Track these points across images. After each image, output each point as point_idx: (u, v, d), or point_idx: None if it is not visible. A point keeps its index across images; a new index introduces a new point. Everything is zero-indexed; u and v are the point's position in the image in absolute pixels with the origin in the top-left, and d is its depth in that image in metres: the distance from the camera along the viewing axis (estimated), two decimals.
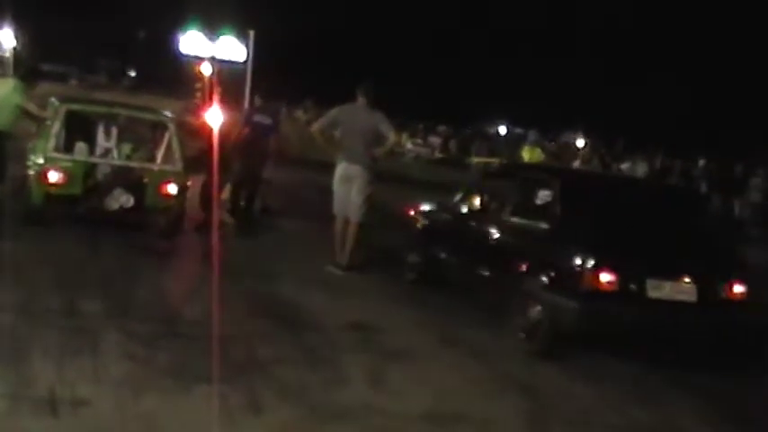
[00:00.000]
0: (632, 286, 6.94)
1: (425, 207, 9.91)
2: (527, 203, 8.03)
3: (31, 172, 9.65)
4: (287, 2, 53.05)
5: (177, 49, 31.85)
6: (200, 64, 29.93)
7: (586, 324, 6.91)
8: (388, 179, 10.56)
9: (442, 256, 9.03)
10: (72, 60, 54.64)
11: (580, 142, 44.06)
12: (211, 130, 10.97)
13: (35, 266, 7.85)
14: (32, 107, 10.06)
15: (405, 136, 41.86)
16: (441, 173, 31.47)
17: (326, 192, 9.69)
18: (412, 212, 10.11)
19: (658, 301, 7.00)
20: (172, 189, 9.86)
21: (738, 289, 7.33)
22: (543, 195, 7.83)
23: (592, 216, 7.32)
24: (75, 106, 10.53)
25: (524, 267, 7.48)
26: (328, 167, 9.79)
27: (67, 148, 9.98)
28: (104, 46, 58.79)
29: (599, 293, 6.85)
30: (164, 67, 46.23)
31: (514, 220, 8.06)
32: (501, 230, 8.18)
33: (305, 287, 8.56)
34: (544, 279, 7.20)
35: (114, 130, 10.70)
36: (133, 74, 63.99)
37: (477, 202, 8.85)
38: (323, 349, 6.61)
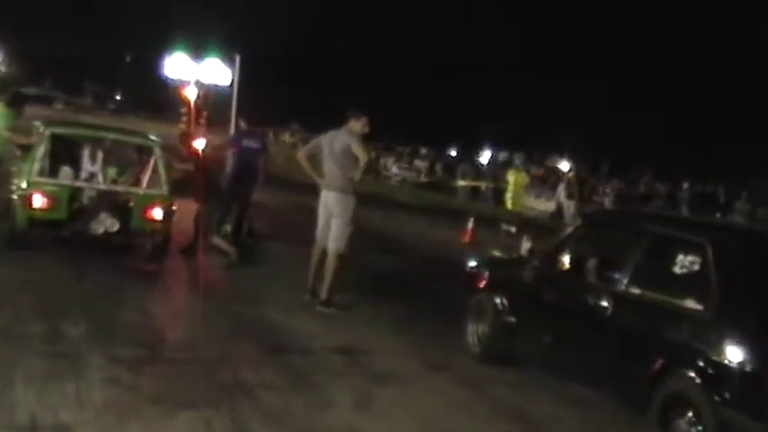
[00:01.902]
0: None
1: (488, 259, 8.42)
2: (662, 269, 6.10)
3: (16, 196, 9.59)
4: (273, 25, 53.24)
5: (163, 72, 31.86)
6: (185, 87, 29.96)
7: None
8: (375, 203, 10.53)
9: (520, 330, 7.25)
10: (57, 83, 54.61)
11: (565, 166, 44.29)
12: (197, 153, 10.97)
13: (18, 290, 7.79)
14: (17, 137, 10.03)
15: (390, 160, 41.95)
16: (427, 196, 31.54)
17: (313, 214, 9.59)
18: (470, 268, 8.46)
19: None
20: (157, 213, 9.82)
21: None
22: (689, 262, 5.94)
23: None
24: (60, 130, 10.49)
25: (674, 367, 5.55)
26: (314, 190, 9.75)
27: (52, 171, 9.93)
28: (90, 69, 58.78)
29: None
30: (149, 91, 46.28)
31: (645, 294, 6.05)
32: (622, 305, 6.15)
33: (291, 311, 8.52)
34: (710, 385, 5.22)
35: (100, 154, 10.65)
36: (119, 97, 63.98)
37: (565, 259, 6.91)
38: (308, 373, 6.58)
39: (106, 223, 9.60)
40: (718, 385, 5.11)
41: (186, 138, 12.70)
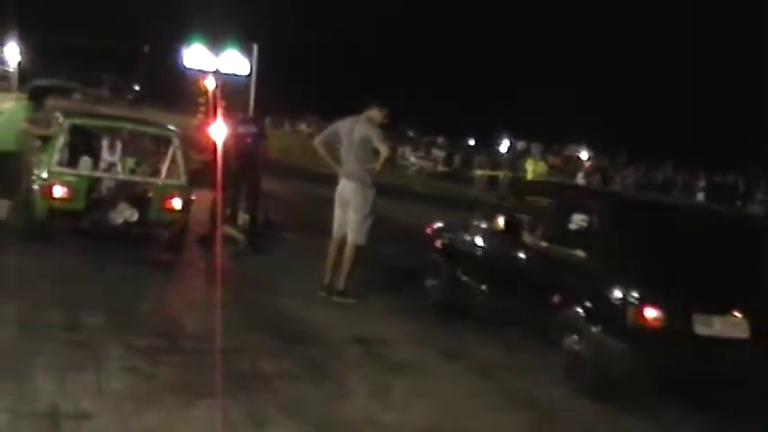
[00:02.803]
0: (679, 323, 6.31)
1: (443, 225, 9.57)
2: (564, 228, 7.51)
3: (36, 186, 9.68)
4: (291, 15, 53.20)
5: (181, 62, 31.97)
6: (203, 78, 30.05)
7: (631, 365, 6.42)
8: (392, 193, 10.53)
9: (465, 280, 8.59)
10: (76, 75, 54.83)
11: (584, 155, 44.14)
12: (215, 143, 11.00)
13: (38, 281, 7.87)
14: (37, 129, 10.10)
15: (408, 150, 41.92)
16: (444, 186, 31.51)
17: (329, 205, 9.57)
18: (429, 231, 9.69)
19: (706, 339, 6.35)
20: (176, 203, 9.89)
21: None
22: (583, 221, 7.32)
23: (636, 246, 6.86)
24: (79, 121, 10.56)
25: (561, 299, 6.97)
26: (331, 180, 9.74)
27: (72, 162, 10.01)
28: (108, 60, 58.95)
29: (645, 331, 6.30)
30: (168, 81, 46.40)
31: (550, 245, 7.56)
32: (534, 256, 7.64)
33: (308, 300, 8.57)
34: (583, 312, 6.71)
35: (118, 145, 10.72)
36: (137, 88, 64.19)
37: (504, 222, 7.99)
38: (325, 363, 6.62)
39: (125, 213, 9.67)
40: (594, 316, 6.66)
41: (203, 128, 12.75)
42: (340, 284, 8.85)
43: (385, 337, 7.60)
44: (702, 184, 24.45)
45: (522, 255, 7.77)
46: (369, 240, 9.02)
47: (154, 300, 7.86)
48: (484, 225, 8.66)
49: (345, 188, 8.93)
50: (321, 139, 9.44)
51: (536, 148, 39.21)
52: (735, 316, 6.48)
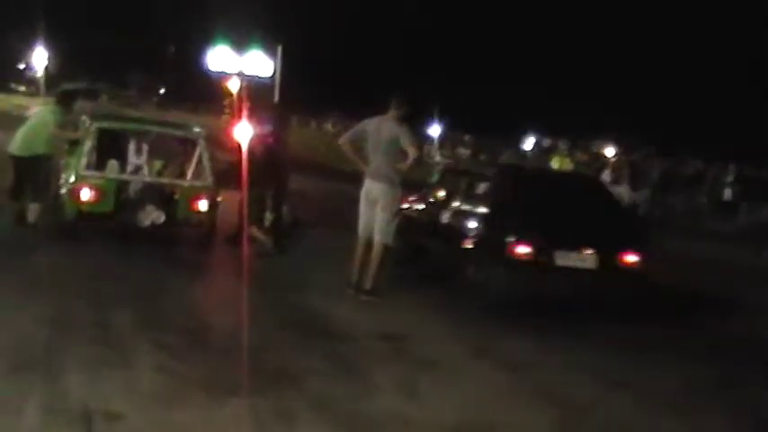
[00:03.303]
0: (543, 256, 8.69)
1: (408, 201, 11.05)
2: (475, 194, 10.13)
3: (64, 189, 9.79)
4: (314, 16, 53.33)
5: (206, 64, 32.13)
6: (228, 79, 30.20)
7: (507, 285, 8.90)
8: (417, 190, 10.61)
9: (417, 238, 10.63)
10: (102, 77, 55.29)
11: (610, 151, 43.83)
12: (240, 144, 11.06)
13: (68, 281, 7.97)
14: (68, 134, 10.22)
15: (434, 147, 41.87)
16: None
17: (355, 203, 9.56)
18: None
19: (564, 268, 8.82)
20: (202, 204, 9.96)
21: (631, 258, 9.09)
22: (485, 187, 10.01)
23: (515, 202, 9.35)
24: (105, 124, 10.65)
25: (468, 242, 9.40)
26: (357, 178, 9.74)
27: (99, 165, 10.11)
28: (134, 62, 59.42)
29: (518, 262, 8.69)
30: (193, 83, 46.66)
31: (466, 206, 9.99)
32: (455, 215, 10.00)
33: (335, 298, 8.60)
34: (480, 250, 9.17)
35: (145, 147, 10.83)
36: (162, 90, 64.61)
37: (439, 194, 10.83)
38: (353, 360, 6.64)
39: (152, 215, 9.77)
40: (487, 252, 9.00)
41: (229, 129, 12.81)
42: (367, 284, 8.84)
43: (412, 334, 7.61)
44: (731, 178, 24.19)
45: (448, 214, 10.10)
46: (396, 240, 9.04)
47: (182, 299, 7.92)
48: (430, 198, 10.94)
49: (372, 187, 8.91)
50: (347, 139, 9.34)
51: (563, 144, 38.97)
52: (586, 252, 8.86)
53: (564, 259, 8.81)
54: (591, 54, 53.48)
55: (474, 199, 10.00)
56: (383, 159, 8.85)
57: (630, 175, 25.93)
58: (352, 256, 9.06)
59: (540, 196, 9.42)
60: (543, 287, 8.84)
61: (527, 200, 9.34)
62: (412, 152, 8.83)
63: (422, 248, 10.56)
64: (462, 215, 9.88)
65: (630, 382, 6.93)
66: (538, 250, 8.69)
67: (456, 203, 10.22)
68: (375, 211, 8.90)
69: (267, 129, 11.57)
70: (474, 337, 7.81)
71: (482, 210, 9.58)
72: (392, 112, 8.95)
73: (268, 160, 11.22)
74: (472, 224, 9.57)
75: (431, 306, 8.82)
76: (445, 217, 10.16)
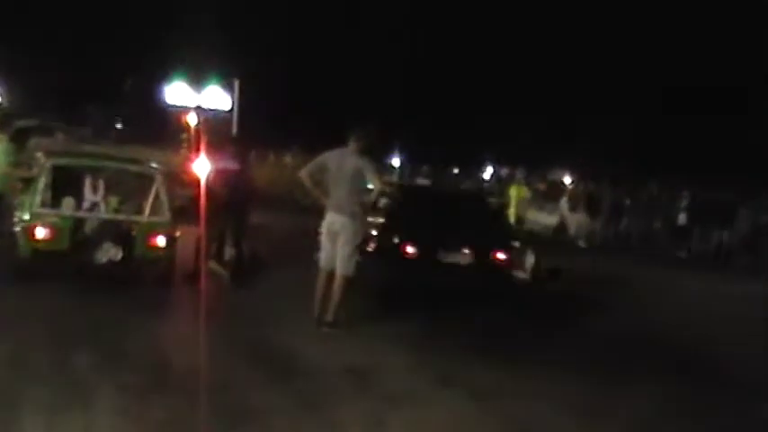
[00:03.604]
0: (428, 255, 10.71)
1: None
2: (378, 209, 11.47)
3: (19, 228, 9.61)
4: (271, 51, 53.44)
5: (163, 99, 31.98)
6: (186, 114, 30.07)
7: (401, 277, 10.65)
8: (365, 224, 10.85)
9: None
10: (59, 113, 54.79)
11: (567, 179, 44.30)
12: (198, 179, 10.96)
13: (24, 321, 7.78)
14: (19, 171, 10.06)
15: (395, 177, 41.97)
16: None
17: (314, 236, 9.53)
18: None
19: (448, 264, 10.89)
20: (160, 241, 9.83)
21: (501, 256, 11.25)
22: (385, 203, 11.75)
23: (406, 213, 11.37)
24: (60, 161, 10.50)
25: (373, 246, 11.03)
26: (316, 211, 9.70)
27: (54, 203, 9.95)
28: (90, 98, 58.95)
29: (408, 260, 10.79)
30: (150, 118, 46.38)
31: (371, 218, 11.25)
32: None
33: (298, 332, 8.51)
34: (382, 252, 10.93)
35: (101, 184, 10.68)
36: (119, 125, 64.12)
37: None
38: (318, 395, 6.55)
39: (110, 252, 9.62)
40: (384, 252, 10.99)
41: (187, 163, 12.71)
42: (330, 316, 8.78)
43: (378, 367, 7.55)
44: (685, 203, 24.54)
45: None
46: (357, 272, 9.00)
47: (142, 337, 7.77)
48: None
49: (334, 220, 8.86)
50: (307, 172, 9.21)
51: (520, 173, 39.28)
52: (464, 251, 10.98)
53: (447, 257, 10.96)
54: (545, 83, 54.15)
55: (378, 212, 11.61)
56: (346, 193, 8.81)
57: (587, 204, 26.26)
58: (313, 290, 8.99)
59: (429, 208, 11.78)
60: (430, 280, 10.62)
61: (416, 211, 11.53)
62: (377, 185, 8.91)
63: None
64: (371, 226, 11.39)
65: (596, 409, 6.93)
66: (423, 250, 10.67)
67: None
68: (337, 243, 8.85)
69: (230, 163, 11.49)
70: (440, 366, 7.77)
71: (383, 220, 11.47)
72: (352, 145, 8.92)
73: (230, 195, 11.14)
74: (375, 232, 11.27)
75: (395, 336, 8.77)
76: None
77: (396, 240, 10.88)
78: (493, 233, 11.84)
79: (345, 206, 8.82)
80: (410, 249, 10.79)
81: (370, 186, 9.22)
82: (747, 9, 41.42)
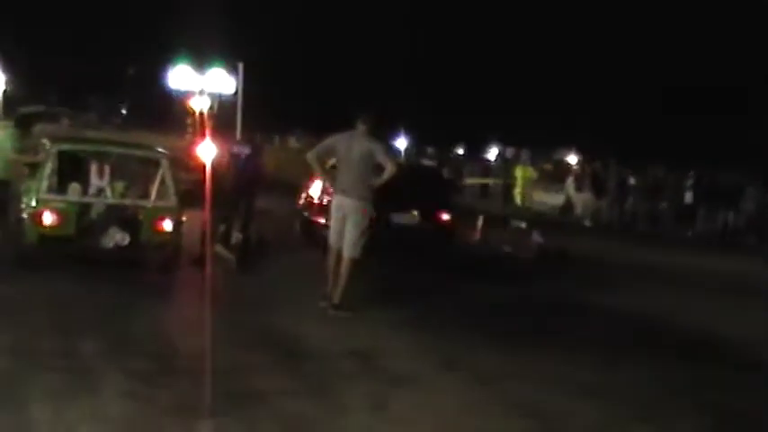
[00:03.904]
0: (383, 218, 10.98)
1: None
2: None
3: (26, 214, 9.65)
4: (276, 32, 53.31)
5: (167, 83, 31.97)
6: (190, 98, 30.07)
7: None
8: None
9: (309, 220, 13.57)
10: (63, 100, 54.78)
11: (573, 159, 44.22)
12: (204, 163, 10.97)
13: (31, 308, 7.83)
14: (25, 157, 10.05)
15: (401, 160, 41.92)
16: None
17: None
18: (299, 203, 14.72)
19: (398, 225, 12.61)
20: (167, 225, 9.87)
21: (444, 216, 13.15)
22: None
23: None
24: (66, 146, 10.53)
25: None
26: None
27: (61, 188, 9.98)
28: (94, 84, 58.92)
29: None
30: (154, 103, 46.39)
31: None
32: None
33: (303, 316, 8.55)
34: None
35: (107, 169, 10.70)
36: (124, 111, 64.12)
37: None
38: (323, 378, 6.59)
39: (116, 237, 9.65)
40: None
41: (192, 148, 12.74)
42: (336, 298, 8.82)
43: (383, 350, 7.58)
44: (691, 182, 24.46)
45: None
46: (365, 254, 9.02)
47: (148, 322, 7.82)
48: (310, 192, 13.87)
49: (343, 203, 8.92)
50: (315, 155, 9.25)
51: (525, 154, 39.20)
52: (413, 213, 12.88)
53: (398, 219, 12.59)
54: (551, 63, 53.94)
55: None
56: (355, 175, 8.85)
57: (592, 183, 26.22)
58: (324, 270, 9.09)
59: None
60: (385, 238, 11.13)
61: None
62: (389, 167, 8.89)
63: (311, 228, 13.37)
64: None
65: (601, 390, 6.96)
66: (378, 212, 10.17)
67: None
68: (345, 225, 8.89)
69: (241, 148, 11.57)
70: (444, 349, 7.80)
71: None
72: (360, 128, 8.95)
73: (238, 179, 11.22)
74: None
75: (400, 320, 8.81)
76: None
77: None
78: (439, 198, 13.56)
79: (354, 189, 8.86)
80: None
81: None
82: (747, 9, 41.32)
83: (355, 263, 8.89)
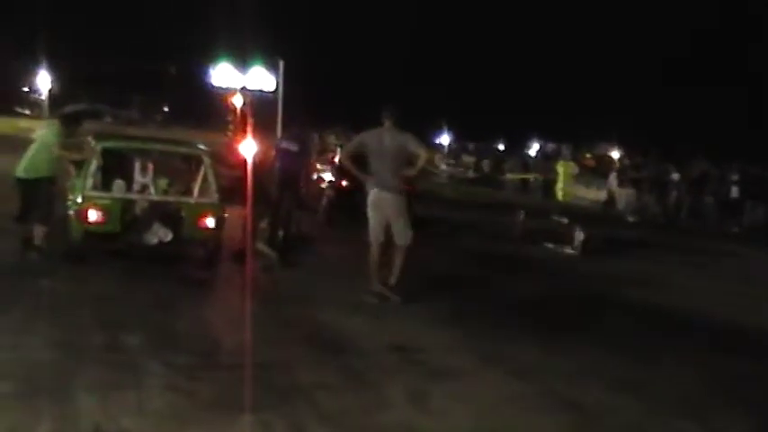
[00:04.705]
0: (355, 186, 12.60)
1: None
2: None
3: (71, 211, 9.80)
4: (315, 31, 53.50)
5: (208, 81, 32.21)
6: (231, 95, 30.28)
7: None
8: (423, 200, 10.63)
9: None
10: (106, 98, 55.45)
11: (615, 154, 43.82)
12: (245, 160, 11.08)
13: (77, 303, 7.96)
14: (70, 154, 10.18)
15: (438, 156, 41.86)
16: (475, 191, 31.47)
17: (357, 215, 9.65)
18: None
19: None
20: (209, 221, 9.97)
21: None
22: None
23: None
24: (110, 144, 10.67)
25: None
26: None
27: (105, 185, 10.13)
28: (137, 82, 59.58)
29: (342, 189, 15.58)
30: (196, 100, 46.77)
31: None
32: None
33: (343, 311, 8.59)
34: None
35: (150, 166, 10.84)
36: (166, 108, 64.79)
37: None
38: (364, 372, 6.62)
39: (159, 234, 9.77)
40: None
41: (233, 144, 12.87)
42: (393, 280, 9.12)
43: (422, 345, 7.60)
44: (736, 176, 24.14)
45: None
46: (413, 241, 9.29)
47: (191, 317, 7.91)
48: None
49: (381, 197, 9.09)
50: (347, 154, 9.56)
51: (566, 149, 38.93)
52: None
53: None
54: (592, 57, 53.48)
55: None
56: (390, 169, 9.04)
57: (636, 178, 25.99)
58: (366, 266, 9.23)
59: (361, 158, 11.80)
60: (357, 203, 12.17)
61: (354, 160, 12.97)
62: (422, 154, 9.21)
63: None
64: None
65: (641, 384, 6.91)
66: (351, 183, 14.23)
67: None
68: (386, 218, 9.10)
69: (290, 144, 11.62)
70: (482, 344, 7.80)
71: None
72: (388, 122, 9.13)
73: (283, 175, 11.31)
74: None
75: (434, 313, 8.84)
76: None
77: (334, 178, 16.17)
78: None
79: (390, 181, 9.04)
80: (344, 183, 15.40)
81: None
82: None
83: (408, 249, 9.15)
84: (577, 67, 53.80)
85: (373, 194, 9.16)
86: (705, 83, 46.79)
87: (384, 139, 9.02)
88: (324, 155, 19.33)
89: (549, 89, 53.34)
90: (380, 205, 9.10)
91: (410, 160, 9.33)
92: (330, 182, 16.33)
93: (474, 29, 58.73)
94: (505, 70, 56.98)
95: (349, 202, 14.47)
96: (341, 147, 17.15)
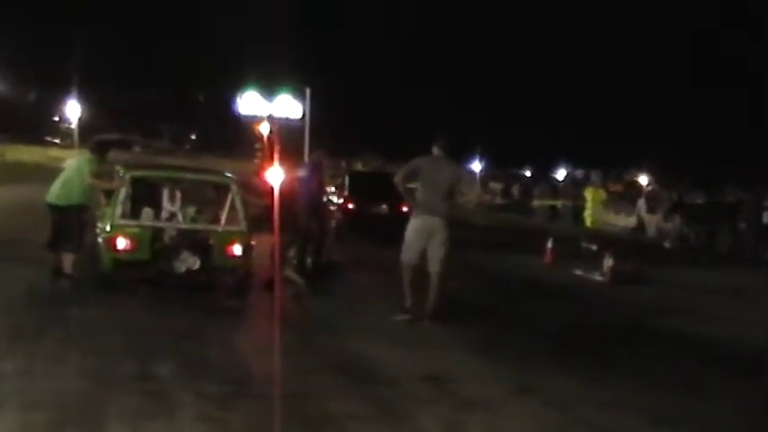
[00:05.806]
0: (361, 208, 17.89)
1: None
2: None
3: (100, 239, 9.83)
4: (340, 59, 53.85)
5: (236, 110, 32.47)
6: (258, 123, 30.48)
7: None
8: (452, 226, 10.53)
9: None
10: (135, 127, 56.06)
11: (643, 180, 43.56)
12: (272, 187, 11.07)
13: (108, 331, 7.94)
14: (101, 183, 10.21)
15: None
16: (504, 218, 31.33)
17: (386, 243, 9.65)
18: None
19: (372, 213, 17.93)
20: (237, 249, 9.95)
21: (404, 209, 13.01)
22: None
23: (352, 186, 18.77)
24: (139, 173, 10.72)
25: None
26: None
27: (134, 214, 10.16)
28: (165, 111, 60.23)
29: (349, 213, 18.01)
30: (223, 129, 47.17)
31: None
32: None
33: (375, 340, 8.50)
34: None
35: (178, 194, 10.86)
36: (194, 137, 65.37)
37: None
38: (396, 402, 6.52)
39: (188, 262, 9.76)
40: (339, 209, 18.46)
41: (261, 172, 12.90)
42: (430, 308, 9.30)
43: (456, 374, 7.48)
44: None
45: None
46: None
47: (221, 346, 7.86)
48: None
49: (429, 222, 9.38)
50: (402, 177, 9.79)
51: (595, 175, 38.74)
52: (383, 207, 17.57)
53: (372, 209, 17.90)
54: (624, 85, 53.37)
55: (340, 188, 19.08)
56: (441, 197, 9.40)
57: (671, 206, 25.79)
58: (402, 288, 9.41)
59: (365, 182, 19.62)
60: (365, 225, 17.45)
61: (358, 184, 19.18)
62: (473, 194, 9.99)
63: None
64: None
65: (678, 415, 6.76)
66: (357, 205, 18.04)
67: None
68: (428, 243, 9.35)
69: (307, 171, 11.64)
70: (517, 374, 7.67)
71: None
72: (437, 152, 9.59)
73: (308, 202, 11.30)
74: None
75: (470, 344, 8.72)
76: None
77: (341, 201, 18.26)
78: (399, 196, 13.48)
79: (439, 209, 9.37)
80: (350, 206, 18.09)
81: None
82: None
83: (445, 276, 9.37)
84: (605, 92, 53.67)
85: (420, 220, 9.43)
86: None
87: (440, 168, 9.44)
88: (335, 179, 20.32)
89: (576, 115, 53.24)
90: (427, 230, 9.36)
91: (452, 190, 9.64)
92: (337, 205, 18.54)
93: (507, 55, 58.89)
94: (535, 98, 56.99)
95: (355, 224, 17.50)
96: (349, 173, 21.25)
